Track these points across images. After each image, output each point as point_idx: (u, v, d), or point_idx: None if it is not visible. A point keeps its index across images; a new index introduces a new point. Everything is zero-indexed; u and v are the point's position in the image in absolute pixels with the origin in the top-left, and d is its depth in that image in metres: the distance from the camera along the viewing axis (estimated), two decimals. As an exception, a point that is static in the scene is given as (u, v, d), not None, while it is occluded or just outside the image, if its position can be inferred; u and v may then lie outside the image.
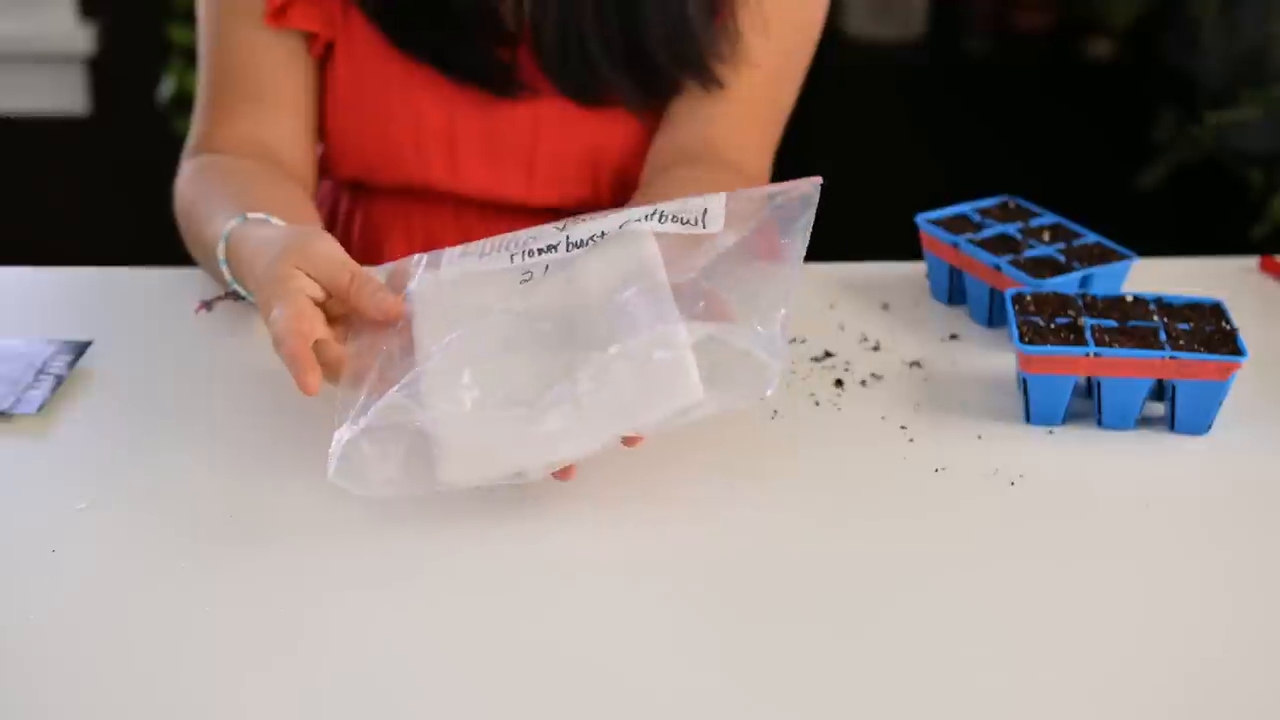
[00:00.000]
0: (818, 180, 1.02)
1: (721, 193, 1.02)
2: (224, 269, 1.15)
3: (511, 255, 1.03)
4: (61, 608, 0.94)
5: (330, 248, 1.05)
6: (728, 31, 1.33)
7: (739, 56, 1.33)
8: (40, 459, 1.09)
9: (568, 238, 1.02)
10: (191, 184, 1.29)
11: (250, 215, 1.15)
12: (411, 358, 0.99)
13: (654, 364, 0.95)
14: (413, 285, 1.03)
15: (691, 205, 1.02)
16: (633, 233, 1.01)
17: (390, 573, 0.97)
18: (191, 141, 1.36)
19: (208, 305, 1.21)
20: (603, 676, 0.89)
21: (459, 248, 1.05)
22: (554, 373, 0.96)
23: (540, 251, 1.02)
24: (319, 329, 1.02)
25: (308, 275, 1.03)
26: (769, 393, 0.96)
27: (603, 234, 1.01)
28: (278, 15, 1.32)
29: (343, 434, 0.97)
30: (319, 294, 1.04)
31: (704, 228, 1.00)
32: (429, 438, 0.96)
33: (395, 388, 0.97)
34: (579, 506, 1.00)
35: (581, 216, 1.04)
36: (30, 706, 0.86)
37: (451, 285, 1.02)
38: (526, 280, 1.01)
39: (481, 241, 1.05)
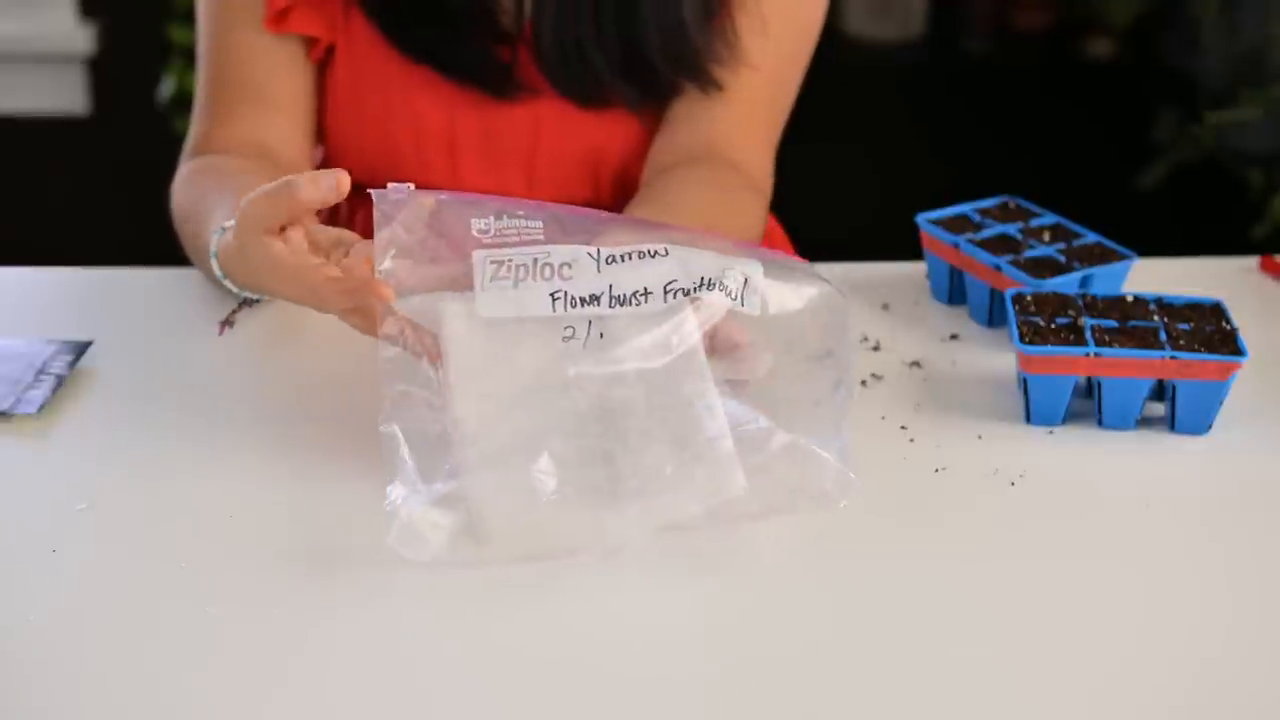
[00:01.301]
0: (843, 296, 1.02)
1: (759, 267, 0.99)
2: (227, 284, 1.14)
3: (551, 295, 0.97)
4: (61, 608, 0.94)
5: (250, 200, 1.02)
6: (725, 35, 1.33)
7: (737, 59, 1.33)
8: (40, 459, 1.08)
9: (610, 288, 0.97)
10: (186, 187, 1.29)
11: (226, 225, 1.12)
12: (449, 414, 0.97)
13: (696, 460, 0.96)
14: (446, 308, 0.98)
15: (733, 276, 0.99)
16: (676, 308, 0.98)
17: (392, 574, 0.96)
18: (190, 143, 1.36)
19: (229, 324, 1.21)
20: (606, 678, 0.89)
21: (484, 255, 0.97)
22: (594, 462, 0.96)
23: (583, 302, 0.97)
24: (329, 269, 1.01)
25: (274, 233, 1.02)
26: (843, 504, 0.99)
27: (645, 291, 0.98)
28: (279, 20, 1.32)
29: (402, 506, 0.95)
30: (298, 239, 1.03)
31: (742, 305, 0.98)
32: (475, 515, 0.96)
33: (446, 478, 0.95)
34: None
35: (615, 247, 0.98)
36: (30, 706, 0.86)
37: (485, 329, 0.97)
38: (569, 339, 0.98)
39: (511, 248, 0.97)
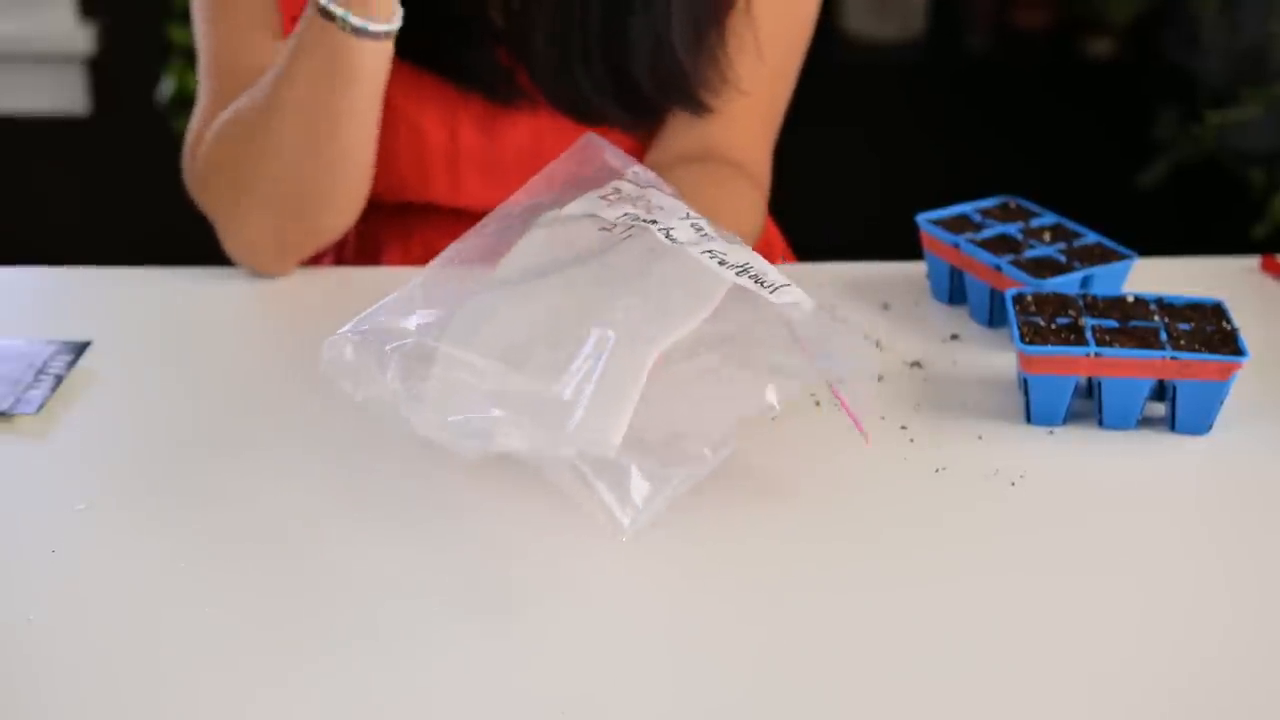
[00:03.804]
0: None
1: (801, 300, 1.00)
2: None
3: (625, 212, 1.02)
4: (61, 608, 0.94)
5: None
6: (716, 59, 1.32)
7: (729, 83, 1.33)
8: (40, 459, 1.08)
9: (669, 231, 1.01)
10: (228, 110, 1.29)
11: None
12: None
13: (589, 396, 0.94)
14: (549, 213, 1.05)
15: (775, 279, 1.00)
16: (714, 279, 0.99)
17: (397, 575, 0.96)
18: (195, 126, 1.34)
19: None
20: (599, 674, 0.89)
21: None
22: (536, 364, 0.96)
23: (646, 221, 1.01)
24: None
25: None
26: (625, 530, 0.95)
27: (693, 242, 1.00)
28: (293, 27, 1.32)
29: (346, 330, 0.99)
30: None
31: (769, 293, 0.99)
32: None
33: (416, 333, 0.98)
34: (570, 505, 0.99)
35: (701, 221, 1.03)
36: (30, 707, 0.86)
37: (563, 225, 1.03)
38: (604, 230, 1.02)
39: (629, 183, 1.06)
